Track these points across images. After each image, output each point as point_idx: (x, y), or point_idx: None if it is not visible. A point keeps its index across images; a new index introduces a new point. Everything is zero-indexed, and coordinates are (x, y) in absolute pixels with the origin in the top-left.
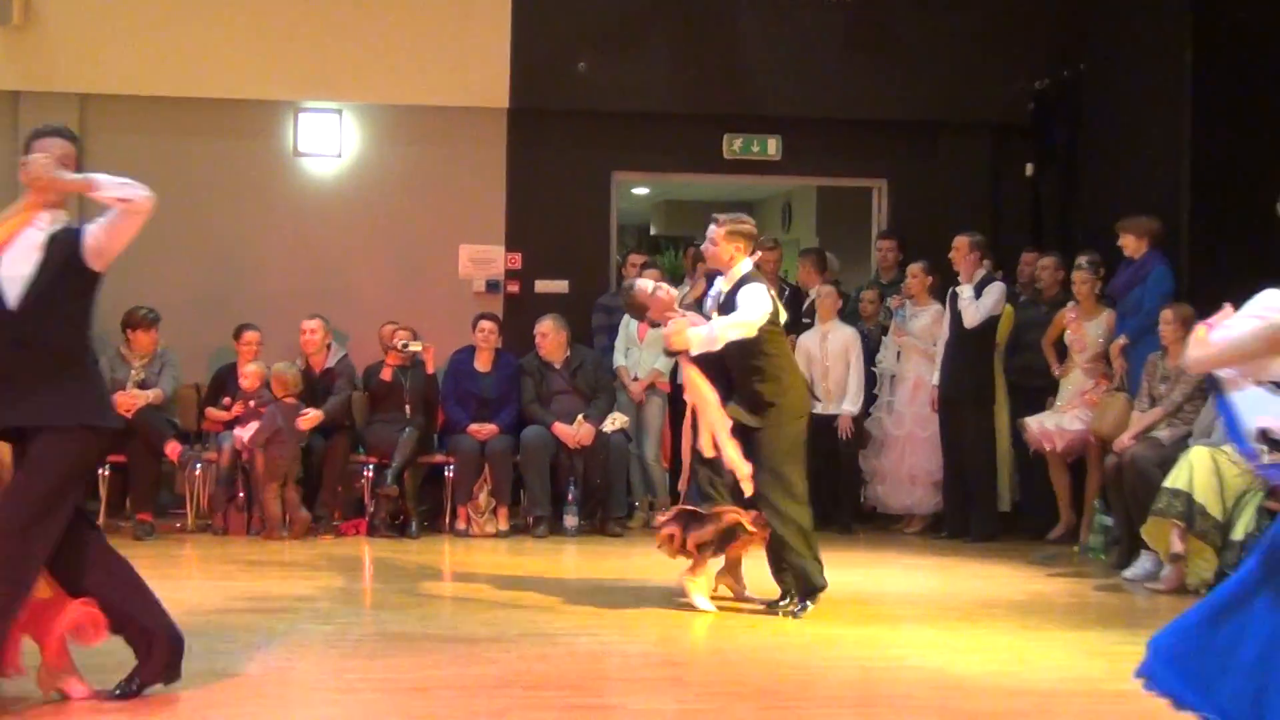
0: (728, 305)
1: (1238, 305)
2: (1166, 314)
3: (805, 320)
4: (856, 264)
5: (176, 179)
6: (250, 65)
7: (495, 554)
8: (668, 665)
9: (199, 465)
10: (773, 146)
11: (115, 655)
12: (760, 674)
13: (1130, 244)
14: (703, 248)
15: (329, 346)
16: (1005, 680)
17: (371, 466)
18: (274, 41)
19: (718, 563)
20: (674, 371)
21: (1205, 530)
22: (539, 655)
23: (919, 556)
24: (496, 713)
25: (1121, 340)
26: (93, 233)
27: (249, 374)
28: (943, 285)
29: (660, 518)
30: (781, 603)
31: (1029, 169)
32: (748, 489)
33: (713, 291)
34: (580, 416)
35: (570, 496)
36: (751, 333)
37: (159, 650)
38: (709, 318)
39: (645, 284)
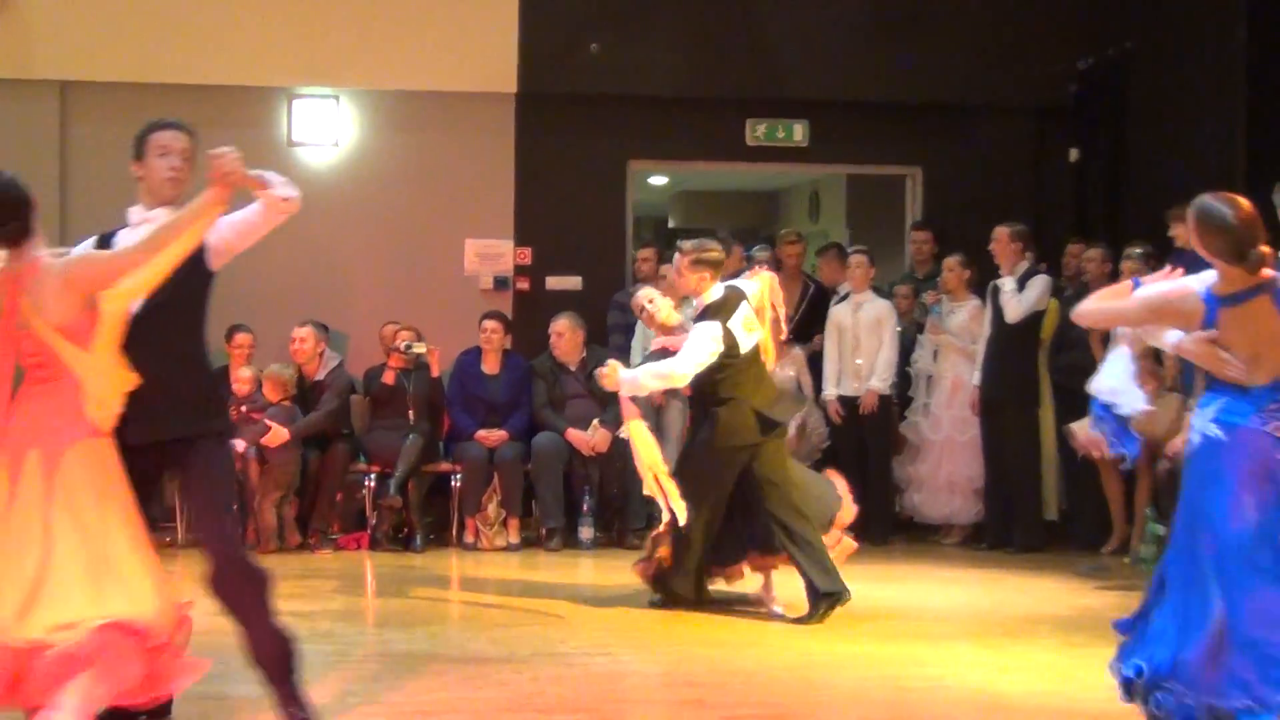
0: None
1: None
2: None
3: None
4: (889, 258)
5: None
6: (240, 49)
7: (505, 568)
8: (689, 686)
9: None
10: (799, 132)
11: None
12: (788, 695)
13: (1183, 234)
14: (669, 278)
15: (322, 355)
16: (1050, 701)
17: (373, 476)
18: (266, 24)
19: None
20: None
21: None
22: (552, 676)
23: (958, 569)
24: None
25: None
26: (220, 232)
27: (242, 379)
28: (982, 279)
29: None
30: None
31: (1073, 154)
32: (682, 520)
33: (689, 311)
34: (595, 421)
35: (585, 507)
36: (679, 384)
37: None
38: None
39: (640, 298)
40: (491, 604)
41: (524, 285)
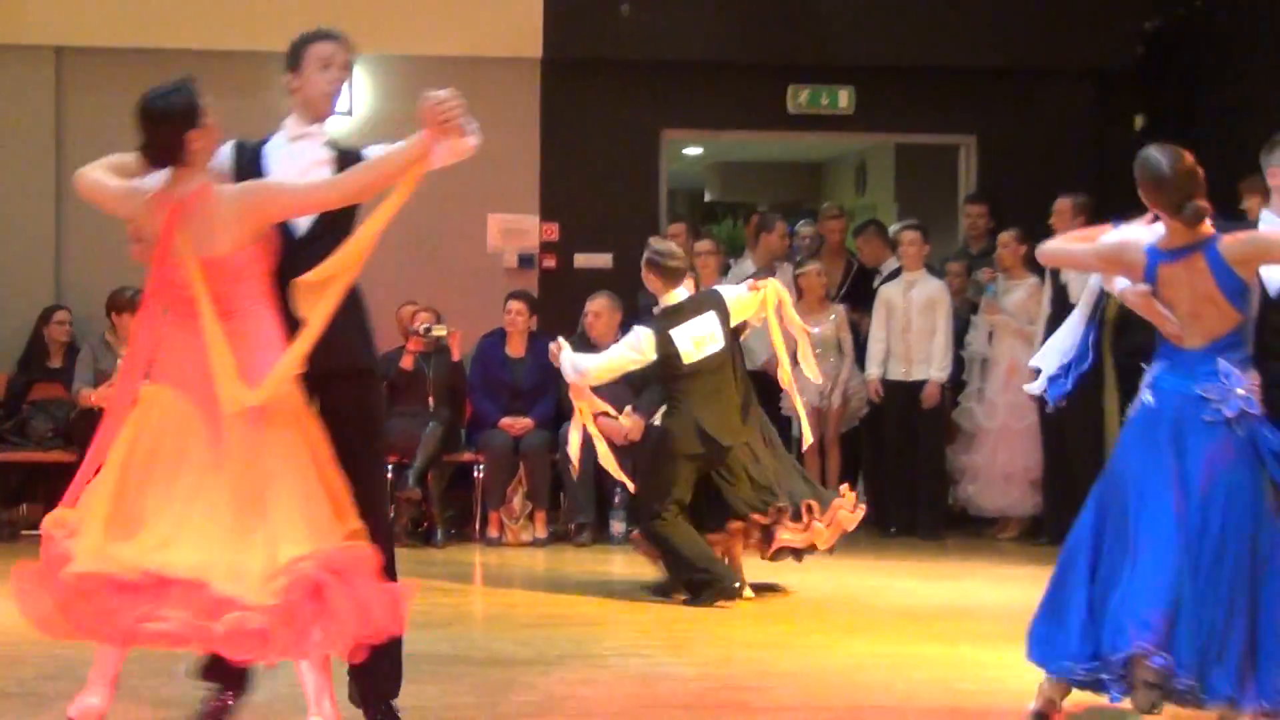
0: None
1: None
2: None
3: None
4: (941, 233)
5: None
6: (246, 12)
7: (532, 564)
8: (729, 689)
9: None
10: (844, 99)
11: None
12: (834, 699)
13: (1255, 208)
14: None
15: None
16: (1113, 708)
17: (390, 466)
18: None
19: None
20: None
21: None
22: (583, 679)
23: (1015, 565)
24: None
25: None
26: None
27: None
28: None
29: None
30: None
31: (1138, 122)
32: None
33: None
34: (629, 408)
35: (616, 499)
36: (589, 381)
37: None
38: None
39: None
40: (517, 603)
41: (550, 263)
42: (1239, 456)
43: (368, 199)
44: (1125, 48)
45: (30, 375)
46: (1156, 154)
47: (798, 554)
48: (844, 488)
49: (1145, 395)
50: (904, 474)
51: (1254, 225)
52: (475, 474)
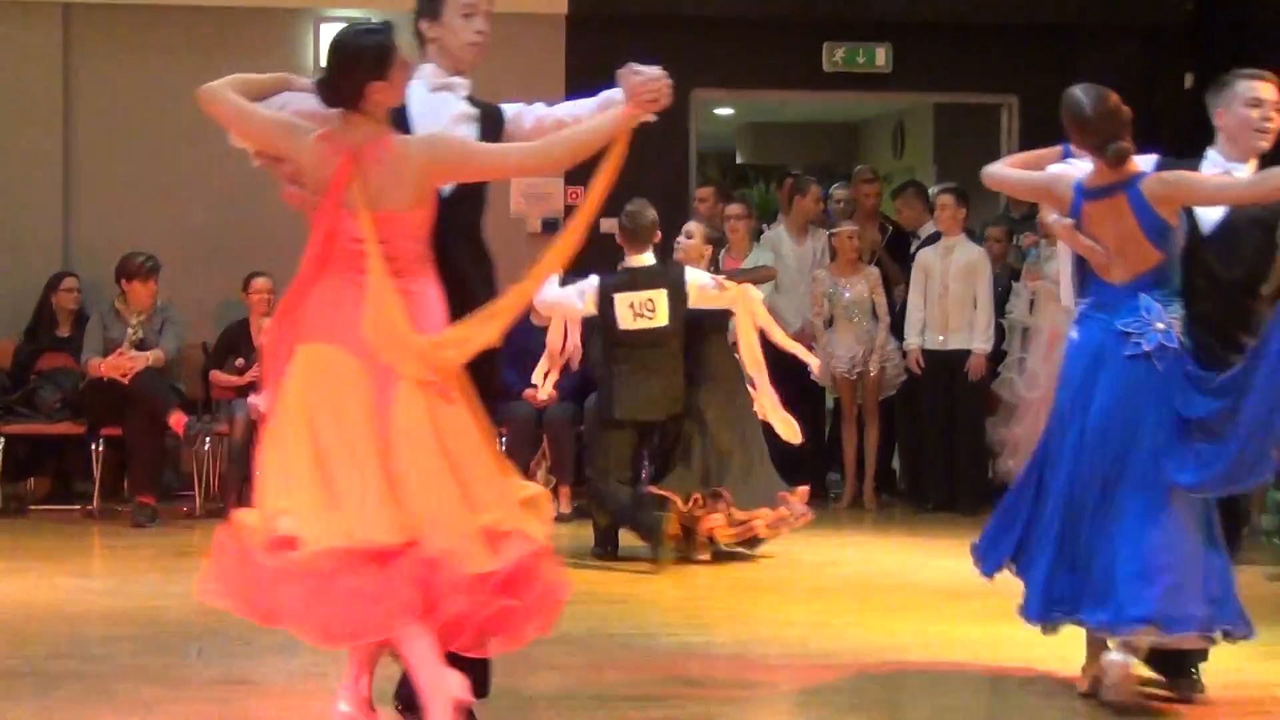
0: None
1: None
2: None
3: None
4: (982, 197)
5: (175, 103)
6: None
7: (556, 541)
8: (762, 669)
9: (208, 439)
10: (881, 57)
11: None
12: (869, 680)
13: None
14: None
15: None
16: (1153, 690)
17: None
18: None
19: None
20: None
21: None
22: (610, 660)
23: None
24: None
25: None
26: (538, 115)
27: (267, 329)
28: None
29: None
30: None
31: (1188, 80)
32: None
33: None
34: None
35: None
36: (540, 308)
37: None
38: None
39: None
40: None
41: None
42: (1151, 389)
43: (563, 171)
44: (1175, 3)
45: (38, 345)
46: (1080, 94)
47: (749, 543)
48: (801, 490)
49: (1071, 330)
50: (942, 447)
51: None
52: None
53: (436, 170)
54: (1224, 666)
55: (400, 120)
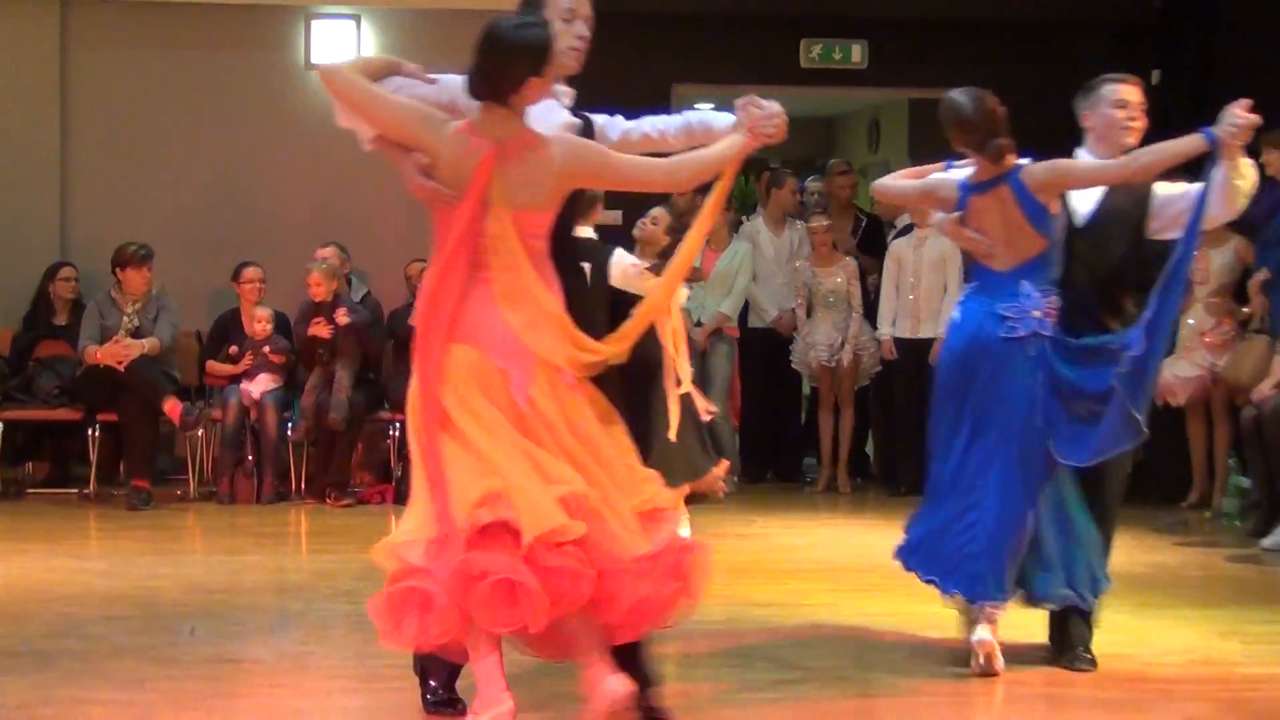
0: None
1: None
2: None
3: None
4: None
5: (170, 96)
6: None
7: None
8: (738, 649)
9: (200, 426)
10: (857, 54)
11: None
12: (846, 658)
13: (1276, 162)
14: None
15: (349, 281)
16: (1123, 665)
17: (398, 425)
18: None
19: None
20: (744, 314)
21: None
22: None
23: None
24: (542, 702)
25: (1262, 275)
26: (623, 130)
27: (260, 317)
28: None
29: None
30: None
31: (1155, 76)
32: None
33: None
34: None
35: None
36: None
37: None
38: None
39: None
40: None
41: None
42: (1024, 372)
43: (683, 191)
44: (1144, 2)
45: (36, 332)
46: (960, 97)
47: None
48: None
49: (955, 312)
50: (914, 433)
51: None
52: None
53: (577, 173)
54: (1186, 645)
55: None
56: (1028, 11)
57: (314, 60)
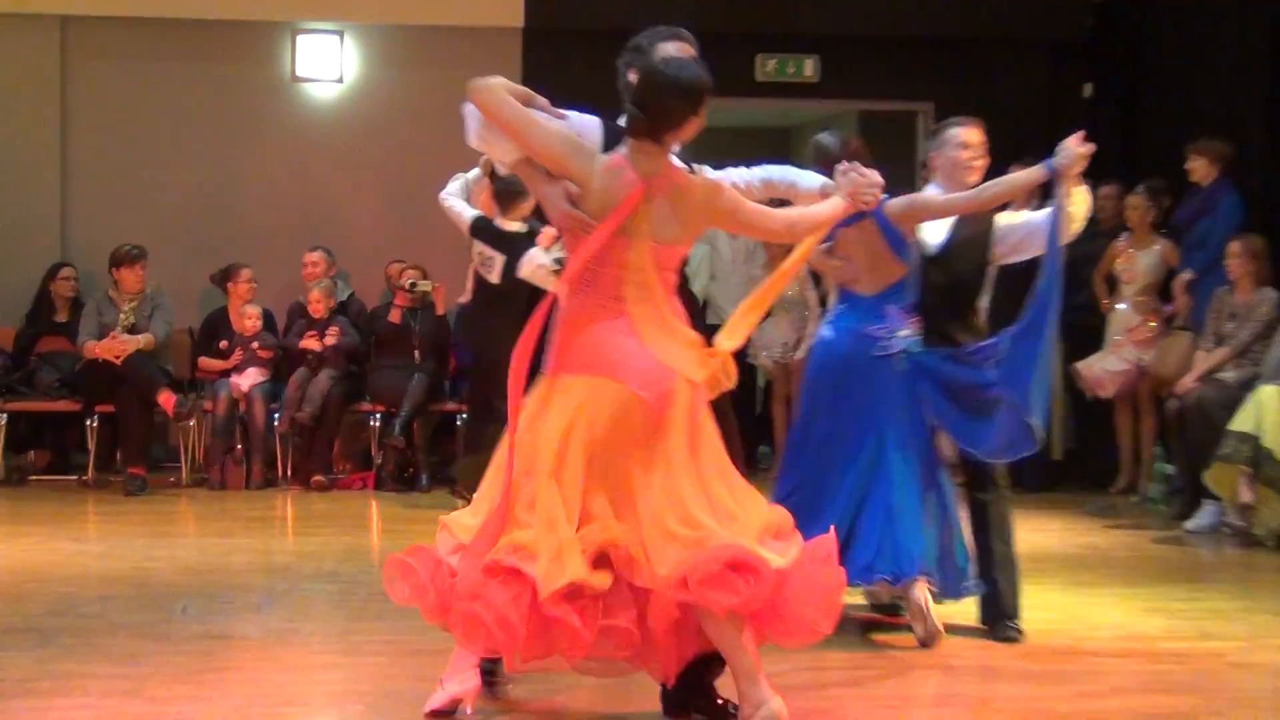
0: None
1: None
2: (1235, 247)
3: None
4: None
5: (164, 107)
6: None
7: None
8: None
9: (193, 416)
10: (809, 68)
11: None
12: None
13: (1200, 169)
14: None
15: (334, 284)
16: (1055, 640)
17: (378, 416)
18: None
19: None
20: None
21: (1275, 477)
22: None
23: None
24: (514, 677)
25: (1186, 275)
26: (741, 182)
27: (250, 314)
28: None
29: None
30: None
31: (1087, 90)
32: None
33: None
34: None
35: None
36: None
37: None
38: None
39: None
40: None
41: None
42: (896, 386)
43: (793, 243)
44: (1076, 20)
45: (37, 329)
46: (827, 139)
47: None
48: None
49: (825, 331)
50: None
51: (1201, 188)
52: (458, 423)
53: (712, 215)
54: (1114, 621)
55: None
56: (969, 29)
57: (299, 73)
